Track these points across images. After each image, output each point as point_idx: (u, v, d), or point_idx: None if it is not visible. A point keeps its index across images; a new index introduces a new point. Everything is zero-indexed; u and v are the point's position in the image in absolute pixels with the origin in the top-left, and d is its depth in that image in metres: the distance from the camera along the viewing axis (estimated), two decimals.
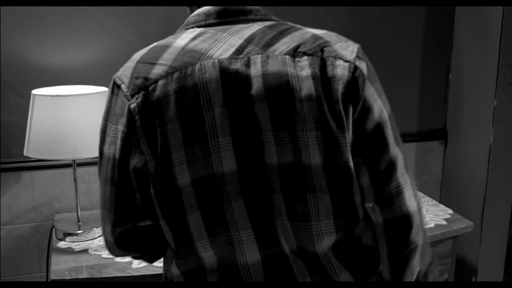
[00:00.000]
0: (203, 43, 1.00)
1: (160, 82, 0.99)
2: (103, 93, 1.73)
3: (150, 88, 0.99)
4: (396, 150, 1.02)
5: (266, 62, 0.98)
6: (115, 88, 1.04)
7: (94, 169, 2.05)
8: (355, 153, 1.00)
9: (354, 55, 1.01)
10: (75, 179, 1.81)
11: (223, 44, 1.00)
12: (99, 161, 1.08)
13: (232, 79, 0.98)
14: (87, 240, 1.78)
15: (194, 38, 1.02)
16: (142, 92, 0.99)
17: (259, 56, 0.98)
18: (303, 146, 0.98)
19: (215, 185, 0.99)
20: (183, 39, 1.03)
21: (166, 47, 1.03)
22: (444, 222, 1.97)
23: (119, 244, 1.11)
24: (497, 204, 2.24)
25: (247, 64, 0.98)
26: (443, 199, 2.48)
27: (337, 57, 0.99)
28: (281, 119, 0.97)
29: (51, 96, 1.67)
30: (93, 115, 1.69)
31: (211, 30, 1.03)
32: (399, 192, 1.02)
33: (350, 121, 0.98)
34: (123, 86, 1.02)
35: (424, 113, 2.41)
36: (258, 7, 1.06)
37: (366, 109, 1.00)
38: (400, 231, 1.04)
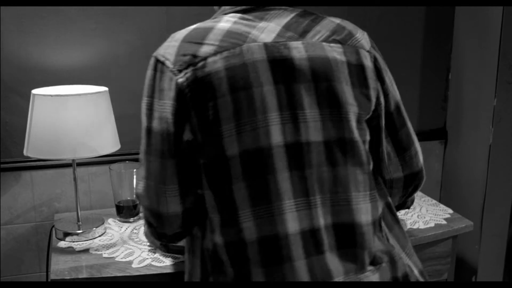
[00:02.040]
0: (246, 27, 1.10)
1: (210, 59, 1.06)
2: (103, 92, 1.73)
3: (199, 64, 1.07)
4: (409, 122, 1.27)
5: (308, 47, 1.09)
6: (159, 65, 1.11)
7: (94, 169, 2.06)
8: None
9: (369, 45, 1.18)
10: (75, 179, 1.81)
11: (264, 29, 1.10)
12: (146, 138, 1.14)
13: (278, 60, 1.08)
14: (87, 240, 1.78)
15: (235, 22, 1.11)
16: (191, 68, 1.07)
17: (300, 42, 1.10)
18: (345, 123, 1.10)
19: (262, 157, 1.07)
20: (225, 22, 1.11)
21: (209, 29, 1.10)
22: (444, 222, 1.97)
23: (187, 214, 1.17)
24: (497, 203, 2.24)
25: (289, 48, 1.09)
26: (443, 199, 2.48)
27: (361, 47, 1.15)
28: (325, 98, 1.09)
29: (51, 95, 1.67)
30: (93, 114, 1.69)
31: (249, 16, 1.12)
32: (415, 153, 1.29)
33: (376, 104, 1.18)
34: (168, 63, 1.09)
35: (424, 113, 2.41)
36: None
37: (387, 94, 1.20)
38: (417, 181, 1.32)
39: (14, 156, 1.96)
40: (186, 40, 1.10)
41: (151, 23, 2.00)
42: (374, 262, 1.13)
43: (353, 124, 1.12)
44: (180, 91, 1.07)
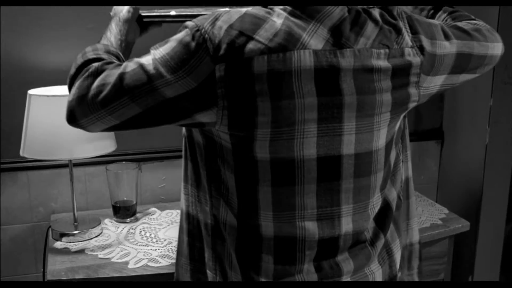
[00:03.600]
0: (297, 28, 1.04)
1: (255, 60, 1.01)
2: None
3: (244, 62, 1.01)
4: None
5: (356, 56, 1.06)
6: (198, 38, 1.02)
7: (91, 169, 2.06)
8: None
9: (410, 35, 1.13)
10: (71, 179, 1.81)
11: (314, 33, 1.04)
12: (134, 67, 1.05)
13: (325, 69, 1.04)
14: (83, 241, 1.78)
15: (287, 18, 1.04)
16: (234, 63, 1.01)
17: (349, 49, 1.05)
18: (377, 133, 1.11)
19: (292, 167, 1.07)
20: (278, 17, 1.04)
21: (262, 21, 1.03)
22: (440, 222, 1.98)
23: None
24: (493, 203, 2.25)
25: (338, 56, 1.05)
26: (440, 199, 2.49)
27: (406, 46, 1.11)
28: (363, 110, 1.08)
29: (47, 96, 1.67)
30: None
31: (300, 14, 1.05)
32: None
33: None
34: (210, 44, 1.01)
35: (420, 113, 2.41)
36: None
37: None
38: None
39: (10, 157, 1.96)
40: (235, 27, 1.02)
41: None
42: (379, 257, 1.22)
43: (385, 133, 1.13)
44: (213, 81, 1.01)
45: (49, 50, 1.94)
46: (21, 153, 1.73)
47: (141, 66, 1.05)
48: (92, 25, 1.95)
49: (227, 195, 1.15)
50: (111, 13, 1.36)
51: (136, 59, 1.07)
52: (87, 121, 1.08)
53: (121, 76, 1.05)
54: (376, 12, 1.12)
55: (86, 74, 1.08)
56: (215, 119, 1.05)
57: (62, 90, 1.78)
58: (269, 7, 1.07)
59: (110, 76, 1.06)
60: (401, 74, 1.11)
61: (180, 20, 1.32)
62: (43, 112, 1.67)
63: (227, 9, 1.08)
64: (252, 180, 1.09)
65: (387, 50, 1.09)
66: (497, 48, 1.29)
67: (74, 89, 1.08)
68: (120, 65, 1.08)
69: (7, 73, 1.91)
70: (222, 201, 1.16)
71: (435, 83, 1.18)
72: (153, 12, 1.38)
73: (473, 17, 1.35)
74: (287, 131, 1.05)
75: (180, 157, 1.27)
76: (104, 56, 1.16)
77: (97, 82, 1.06)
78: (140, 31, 1.38)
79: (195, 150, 1.20)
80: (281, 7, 1.06)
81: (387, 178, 1.22)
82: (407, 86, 1.13)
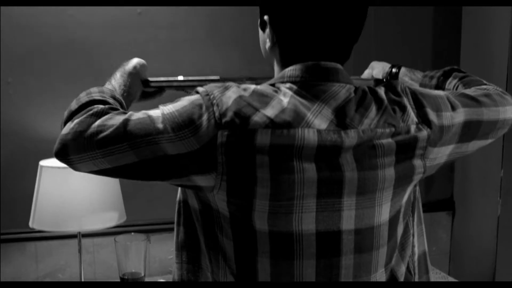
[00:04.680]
0: (302, 107, 1.05)
1: (259, 132, 1.02)
2: None
3: (247, 133, 1.01)
4: None
5: (359, 135, 1.06)
6: (207, 102, 1.03)
7: (99, 240, 2.05)
8: None
9: (415, 111, 1.13)
10: (79, 251, 1.80)
11: (318, 113, 1.06)
12: (140, 117, 1.04)
13: (327, 148, 1.05)
14: None
15: (292, 97, 1.06)
16: (237, 132, 1.01)
17: (353, 130, 1.06)
18: (378, 209, 1.10)
19: (291, 242, 1.06)
20: (284, 95, 1.07)
21: (269, 98, 1.05)
22: None
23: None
24: (507, 276, 2.20)
25: (342, 136, 1.05)
26: (452, 271, 2.44)
27: (412, 123, 1.11)
28: (364, 186, 1.07)
29: (59, 167, 1.68)
30: (100, 186, 1.69)
31: (306, 94, 1.07)
32: None
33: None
34: (216, 109, 1.02)
35: (430, 183, 2.40)
36: (342, 68, 1.13)
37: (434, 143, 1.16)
38: None
39: (19, 227, 1.95)
40: (244, 98, 1.04)
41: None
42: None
43: (388, 207, 1.12)
44: (213, 146, 1.01)
45: (60, 120, 1.96)
46: (30, 225, 1.73)
47: (149, 117, 1.04)
48: None
49: (226, 262, 1.13)
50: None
51: (144, 111, 1.07)
52: (78, 158, 1.04)
53: (126, 122, 1.03)
54: (381, 90, 1.13)
55: (90, 112, 1.06)
56: (213, 183, 1.04)
57: None
58: (276, 85, 1.09)
59: (114, 119, 1.04)
60: (406, 149, 1.10)
61: (187, 86, 1.34)
62: (54, 184, 1.67)
63: (235, 84, 1.10)
64: (251, 249, 1.08)
65: (392, 129, 1.09)
66: (509, 112, 1.27)
67: (72, 124, 1.05)
68: (125, 112, 1.07)
69: (19, 143, 1.93)
70: (221, 267, 1.15)
71: (442, 153, 1.17)
72: (160, 78, 1.37)
73: (484, 82, 1.35)
74: (285, 205, 1.04)
75: None
76: (110, 100, 1.15)
77: (99, 122, 1.04)
78: (142, 94, 1.37)
79: (191, 216, 1.18)
80: (287, 85, 1.08)
81: (393, 253, 1.19)
82: (412, 159, 1.12)
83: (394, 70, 1.50)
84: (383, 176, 1.09)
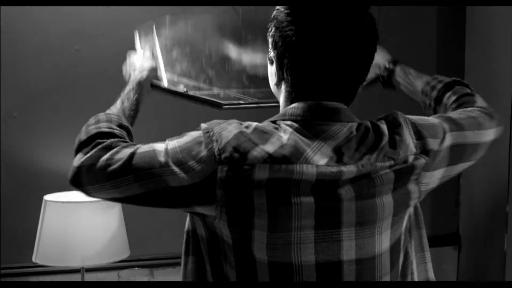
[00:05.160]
0: (302, 143, 1.07)
1: (257, 167, 1.04)
2: None
3: (245, 167, 1.04)
4: None
5: (358, 169, 1.07)
6: (207, 139, 1.07)
7: (103, 275, 2.03)
8: None
9: (414, 141, 1.14)
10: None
11: (318, 150, 1.07)
12: (146, 150, 1.09)
13: (325, 182, 1.05)
14: None
15: (292, 134, 1.08)
16: (235, 166, 1.04)
17: (352, 165, 1.07)
18: (377, 236, 1.10)
19: (291, 273, 1.06)
20: (284, 132, 1.08)
21: (269, 135, 1.07)
22: None
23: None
24: None
25: (342, 171, 1.06)
26: None
27: (411, 153, 1.12)
28: (363, 216, 1.08)
29: (63, 202, 1.68)
30: (104, 221, 1.68)
31: (307, 133, 1.09)
32: None
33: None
34: (216, 145, 1.06)
35: (436, 217, 2.39)
36: (346, 107, 1.13)
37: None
38: None
39: (22, 261, 1.94)
40: (244, 134, 1.07)
41: (166, 128, 2.03)
42: None
43: (388, 235, 1.12)
44: (213, 180, 1.05)
45: (66, 154, 1.96)
46: (33, 259, 1.72)
47: (153, 151, 1.09)
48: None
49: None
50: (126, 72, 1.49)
51: (151, 144, 1.11)
52: (92, 188, 1.11)
53: (131, 155, 1.09)
54: (383, 125, 1.14)
55: (100, 147, 1.12)
56: (214, 214, 1.07)
57: (77, 195, 1.79)
58: (277, 122, 1.11)
59: (121, 153, 1.10)
60: (403, 177, 1.12)
61: (188, 98, 1.43)
62: (58, 218, 1.67)
63: (237, 121, 1.12)
64: (251, 279, 1.09)
65: (392, 162, 1.10)
66: (490, 134, 1.29)
67: (84, 157, 1.12)
68: (134, 145, 1.13)
69: (23, 177, 1.94)
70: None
71: (435, 177, 1.18)
72: (165, 84, 1.47)
73: (477, 103, 1.35)
74: (283, 236, 1.05)
75: None
76: (116, 131, 1.20)
77: (107, 156, 1.10)
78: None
79: (199, 246, 1.19)
80: (288, 123, 1.10)
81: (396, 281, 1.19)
82: (407, 184, 1.13)
83: (390, 66, 1.53)
84: (381, 203, 1.09)
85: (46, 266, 1.90)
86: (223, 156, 1.04)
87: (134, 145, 1.13)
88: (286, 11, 1.12)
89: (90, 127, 1.20)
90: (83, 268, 1.77)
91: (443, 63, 2.29)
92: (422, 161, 1.13)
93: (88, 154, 1.12)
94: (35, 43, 1.92)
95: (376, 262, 1.11)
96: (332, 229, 1.07)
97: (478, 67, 2.27)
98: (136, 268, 1.94)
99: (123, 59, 1.81)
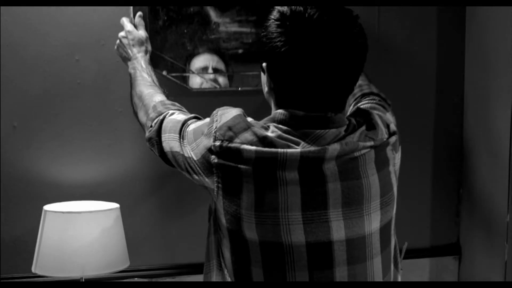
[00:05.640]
0: (288, 142, 1.13)
1: (246, 146, 1.11)
2: (114, 209, 1.74)
3: (234, 145, 1.12)
4: None
5: (342, 145, 1.12)
6: (210, 119, 1.20)
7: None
8: None
9: (385, 129, 1.25)
10: None
11: (304, 147, 1.13)
12: (175, 123, 1.31)
13: (309, 160, 1.10)
14: None
15: (279, 136, 1.14)
16: (226, 143, 1.13)
17: (336, 143, 1.12)
18: (366, 217, 1.13)
19: (282, 253, 1.10)
20: (271, 132, 1.15)
21: (258, 136, 1.14)
22: None
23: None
24: None
25: (325, 148, 1.11)
26: None
27: (387, 144, 1.20)
28: (350, 197, 1.12)
29: (62, 212, 1.68)
30: (104, 232, 1.68)
31: (294, 132, 1.14)
32: None
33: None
34: (215, 125, 1.18)
35: (436, 227, 2.38)
36: (334, 115, 1.18)
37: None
38: None
39: (21, 272, 1.93)
40: (242, 118, 1.17)
41: None
42: None
43: (378, 215, 1.15)
44: (211, 153, 1.14)
45: (67, 165, 1.96)
46: (33, 270, 1.72)
47: (181, 122, 1.29)
48: (108, 141, 1.99)
49: (227, 274, 1.18)
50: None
51: (185, 117, 1.30)
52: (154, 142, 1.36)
53: (163, 120, 1.35)
54: (360, 117, 1.22)
55: (157, 119, 1.38)
56: (213, 186, 1.14)
57: (77, 206, 1.79)
58: (266, 124, 1.17)
59: (162, 119, 1.37)
60: (381, 151, 1.18)
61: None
62: (58, 229, 1.67)
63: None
64: (245, 260, 1.12)
65: (372, 143, 1.16)
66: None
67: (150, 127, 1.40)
68: (174, 113, 1.37)
69: (23, 187, 1.93)
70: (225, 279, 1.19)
71: (398, 159, 1.27)
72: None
73: (376, 94, 1.49)
74: (271, 216, 1.09)
75: (190, 273, 1.26)
76: (170, 109, 1.42)
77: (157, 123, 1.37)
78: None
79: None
80: (275, 124, 1.15)
81: (388, 266, 1.20)
82: (386, 157, 1.19)
83: None
84: (367, 184, 1.13)
85: (46, 277, 1.90)
86: (218, 133, 1.14)
87: (174, 112, 1.37)
88: (276, 22, 1.13)
89: (158, 107, 1.45)
90: (82, 278, 1.76)
91: (443, 63, 2.29)
92: (393, 138, 1.22)
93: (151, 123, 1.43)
94: (35, 54, 1.92)
95: (367, 242, 1.14)
96: (319, 210, 1.11)
97: (478, 67, 2.26)
98: (135, 279, 1.94)
99: (123, 69, 1.82)
